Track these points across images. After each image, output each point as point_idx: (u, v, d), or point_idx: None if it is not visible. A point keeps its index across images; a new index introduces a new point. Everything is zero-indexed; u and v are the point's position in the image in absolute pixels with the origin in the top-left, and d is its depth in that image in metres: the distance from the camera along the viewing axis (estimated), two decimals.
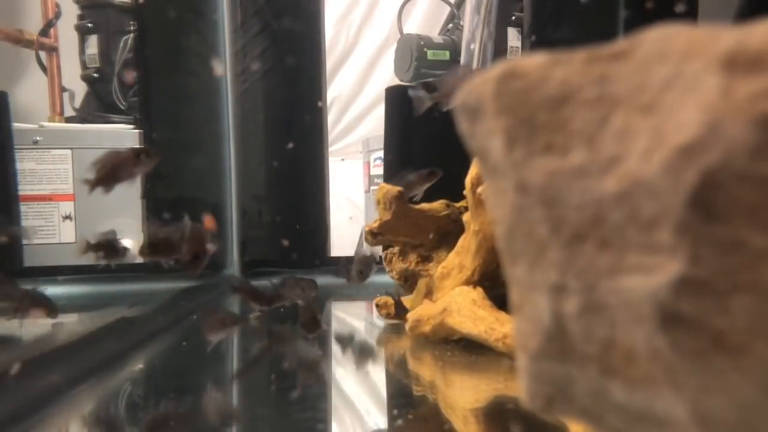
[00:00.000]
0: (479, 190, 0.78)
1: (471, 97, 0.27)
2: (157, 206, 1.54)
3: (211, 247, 0.68)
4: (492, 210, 0.28)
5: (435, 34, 2.05)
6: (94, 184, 0.65)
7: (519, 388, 0.28)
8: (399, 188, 0.92)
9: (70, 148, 1.76)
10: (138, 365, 0.80)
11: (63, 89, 2.06)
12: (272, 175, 1.69)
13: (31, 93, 2.08)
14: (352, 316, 1.02)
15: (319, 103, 1.74)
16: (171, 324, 1.01)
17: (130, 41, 1.87)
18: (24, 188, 1.66)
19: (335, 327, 1.04)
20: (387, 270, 1.01)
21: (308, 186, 1.73)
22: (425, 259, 0.97)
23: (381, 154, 1.74)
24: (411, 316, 0.82)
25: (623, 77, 0.23)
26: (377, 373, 0.76)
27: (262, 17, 1.65)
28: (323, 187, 1.77)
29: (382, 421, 0.59)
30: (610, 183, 0.22)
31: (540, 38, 1.43)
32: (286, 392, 0.65)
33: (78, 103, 2.06)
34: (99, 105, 1.98)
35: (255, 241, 1.67)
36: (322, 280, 1.47)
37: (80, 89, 2.07)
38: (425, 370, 0.75)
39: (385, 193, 0.92)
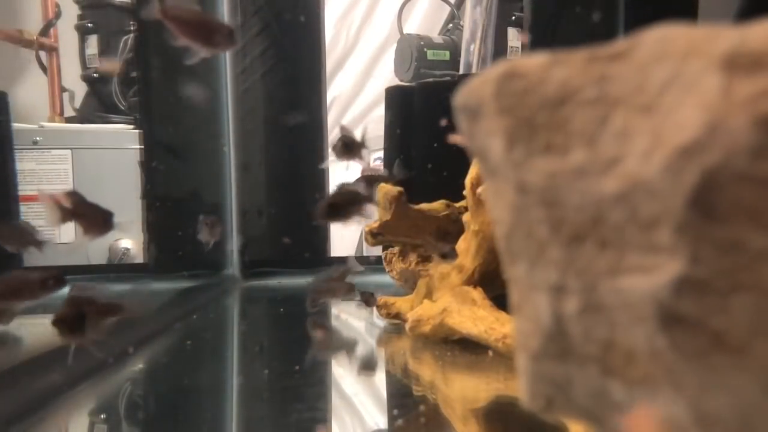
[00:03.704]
0: (479, 190, 0.78)
1: (471, 98, 0.27)
2: (157, 206, 1.54)
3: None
4: (492, 210, 0.28)
5: (435, 34, 2.05)
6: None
7: (519, 388, 0.28)
8: (399, 188, 0.92)
9: (70, 148, 1.76)
10: (138, 365, 0.80)
11: (63, 89, 2.06)
12: (272, 175, 1.69)
13: (31, 93, 2.08)
14: (351, 316, 1.02)
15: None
16: (171, 324, 1.01)
17: (130, 41, 1.87)
18: (24, 188, 1.66)
19: (335, 327, 1.04)
20: (387, 270, 1.01)
21: (308, 186, 1.73)
22: (425, 259, 0.97)
23: (381, 154, 1.74)
24: (411, 316, 0.82)
25: (623, 77, 0.23)
26: (377, 373, 0.76)
27: (262, 17, 1.65)
28: (323, 187, 1.77)
29: (382, 421, 0.59)
30: (610, 183, 0.22)
31: (540, 38, 1.43)
32: (286, 392, 0.65)
33: (78, 103, 2.06)
34: (99, 105, 1.98)
35: (255, 241, 1.67)
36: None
37: (80, 89, 2.07)
38: (425, 370, 0.75)
39: (385, 194, 0.92)
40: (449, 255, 0.83)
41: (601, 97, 0.23)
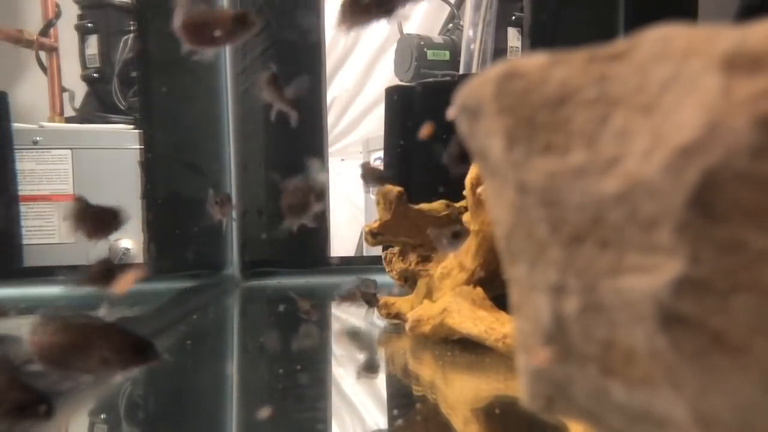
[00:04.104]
0: (479, 190, 0.78)
1: (471, 97, 0.27)
2: (157, 206, 1.54)
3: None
4: (492, 210, 0.28)
5: (435, 34, 2.05)
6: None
7: (519, 388, 0.28)
8: (399, 188, 0.92)
9: (70, 148, 1.76)
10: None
11: (63, 89, 2.06)
12: (272, 175, 1.69)
13: (31, 93, 2.08)
14: (352, 316, 1.02)
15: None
16: (171, 324, 1.01)
17: (130, 41, 1.88)
18: (24, 188, 1.66)
19: (335, 327, 1.04)
20: (387, 270, 1.01)
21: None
22: (425, 259, 0.96)
23: (381, 154, 1.74)
24: (411, 316, 0.82)
25: (623, 77, 0.23)
26: (377, 372, 0.76)
27: (262, 17, 1.65)
28: (323, 188, 1.76)
29: (382, 421, 0.59)
30: (610, 183, 0.22)
31: (540, 38, 1.43)
32: (286, 392, 0.65)
33: (78, 103, 2.06)
34: (99, 105, 1.98)
35: (255, 241, 1.67)
36: (323, 280, 1.47)
37: (80, 89, 2.07)
38: (425, 370, 0.75)
39: (385, 194, 0.92)
40: (461, 233, 0.81)
41: (601, 97, 0.23)
